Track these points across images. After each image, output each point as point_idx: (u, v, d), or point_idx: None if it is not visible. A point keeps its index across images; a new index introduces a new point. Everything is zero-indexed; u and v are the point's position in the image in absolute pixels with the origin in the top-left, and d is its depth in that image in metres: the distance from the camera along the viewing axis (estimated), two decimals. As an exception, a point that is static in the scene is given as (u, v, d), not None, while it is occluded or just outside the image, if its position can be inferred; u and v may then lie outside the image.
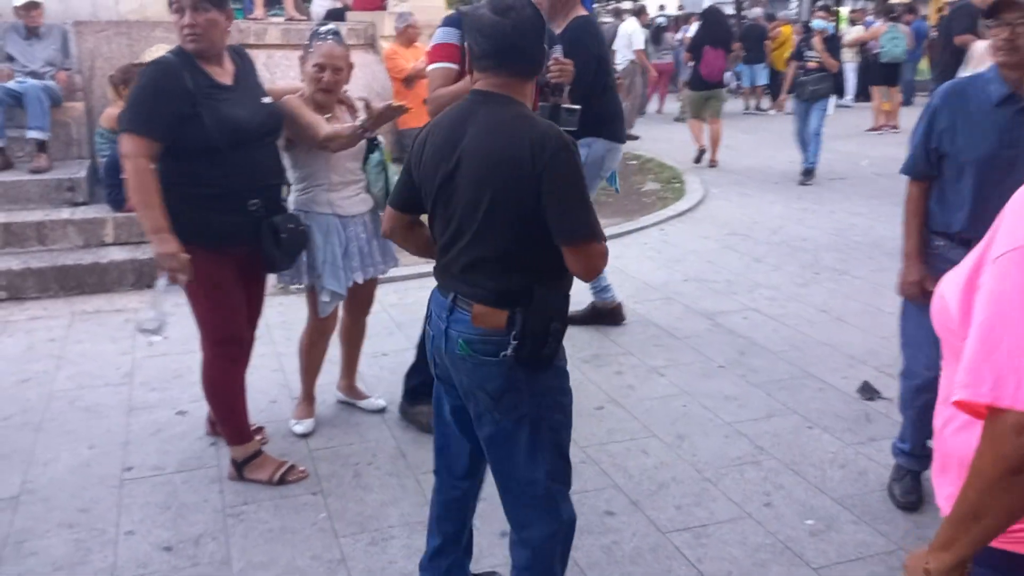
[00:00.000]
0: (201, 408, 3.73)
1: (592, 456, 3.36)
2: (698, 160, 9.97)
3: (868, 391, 3.91)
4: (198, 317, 3.08)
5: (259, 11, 8.02)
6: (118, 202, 5.55)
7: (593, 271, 2.07)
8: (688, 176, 9.11)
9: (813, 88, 8.65)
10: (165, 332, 3.03)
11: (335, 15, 9.24)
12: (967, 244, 2.74)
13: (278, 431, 3.57)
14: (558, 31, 4.12)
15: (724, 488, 3.13)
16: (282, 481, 3.15)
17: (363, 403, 3.78)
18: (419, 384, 3.62)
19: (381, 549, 2.79)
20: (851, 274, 5.72)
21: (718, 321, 4.88)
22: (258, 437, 3.37)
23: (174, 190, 2.88)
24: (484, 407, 2.11)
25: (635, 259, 6.16)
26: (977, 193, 2.73)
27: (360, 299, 3.65)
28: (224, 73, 3.00)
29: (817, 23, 9.16)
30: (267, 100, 3.11)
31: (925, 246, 2.92)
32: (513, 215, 1.99)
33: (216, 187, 2.92)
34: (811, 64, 8.74)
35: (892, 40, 12.41)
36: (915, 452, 3.09)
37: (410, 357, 3.73)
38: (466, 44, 2.23)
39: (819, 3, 10.32)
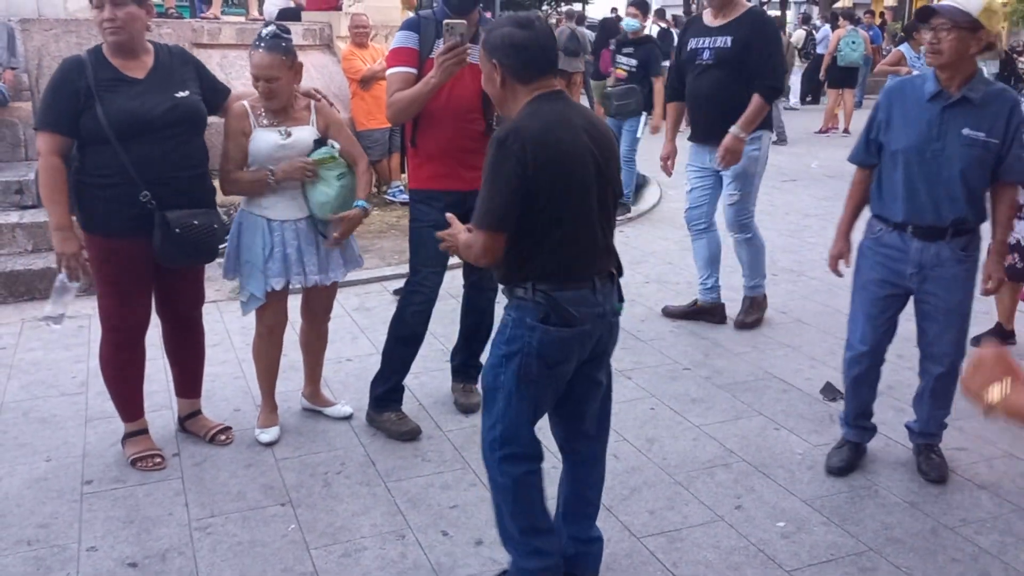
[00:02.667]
0: (162, 417, 3.66)
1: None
2: None
3: (831, 392, 3.97)
4: (98, 300, 3.24)
5: (215, 9, 7.86)
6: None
7: None
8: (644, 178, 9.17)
9: (619, 103, 7.24)
10: (64, 322, 3.30)
11: (289, 15, 9.11)
12: (902, 229, 3.05)
13: (243, 439, 3.50)
14: (725, 21, 4.55)
15: (695, 491, 3.15)
16: (132, 463, 3.28)
17: (329, 410, 3.71)
18: (385, 392, 3.59)
19: (354, 560, 2.74)
20: (807, 275, 5.82)
21: (680, 323, 4.91)
22: (222, 437, 3.48)
23: (76, 180, 3.05)
24: (611, 352, 2.53)
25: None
26: (907, 182, 3.02)
27: (313, 306, 3.61)
28: (138, 67, 3.07)
29: (629, 23, 7.61)
30: (182, 94, 3.09)
31: (867, 229, 3.21)
32: (619, 182, 2.48)
33: (110, 178, 3.02)
34: (619, 72, 7.42)
35: (851, 44, 12.70)
36: (849, 421, 3.36)
37: (375, 362, 3.69)
38: (495, 61, 2.31)
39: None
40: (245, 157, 3.29)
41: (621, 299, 2.47)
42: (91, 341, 4.41)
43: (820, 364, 4.32)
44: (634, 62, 7.22)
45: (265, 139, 3.27)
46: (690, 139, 4.86)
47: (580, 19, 16.31)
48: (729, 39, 4.47)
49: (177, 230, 3.07)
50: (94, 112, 2.95)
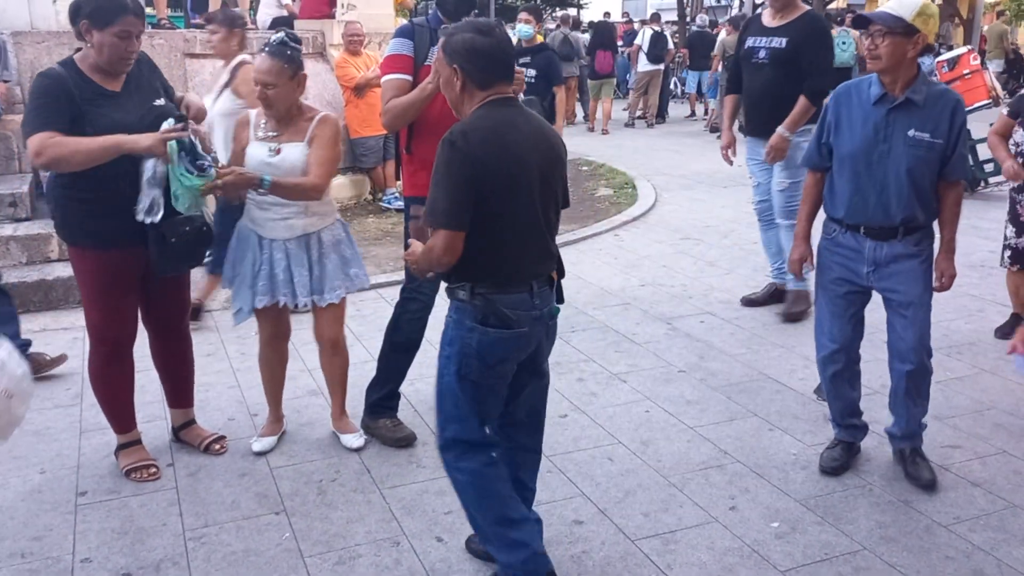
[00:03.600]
0: (156, 428, 3.66)
1: (558, 465, 3.35)
2: (591, 128, 13.68)
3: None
4: (85, 313, 3.23)
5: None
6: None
7: None
8: (639, 181, 9.20)
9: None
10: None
11: (282, 23, 9.11)
12: (855, 229, 3.12)
13: (236, 449, 3.50)
14: (783, 22, 4.83)
15: (690, 493, 3.15)
16: (127, 474, 3.28)
17: (342, 436, 3.56)
18: (380, 398, 3.59)
19: (349, 568, 2.74)
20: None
21: (675, 325, 4.92)
22: (216, 446, 3.49)
23: (62, 194, 3.06)
24: (547, 353, 2.61)
25: (592, 265, 6.19)
26: (856, 184, 3.09)
27: (318, 328, 3.48)
28: (115, 81, 3.08)
29: (523, 30, 7.09)
30: (159, 102, 3.11)
31: (824, 230, 3.25)
32: (562, 194, 2.52)
33: (96, 190, 3.01)
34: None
35: (841, 45, 12.71)
36: (836, 420, 3.38)
37: (370, 369, 3.69)
38: (455, 66, 2.36)
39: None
40: (241, 164, 3.26)
41: (561, 301, 2.57)
42: (85, 353, 4.40)
43: (813, 364, 4.27)
44: (532, 72, 6.50)
45: (255, 153, 3.24)
46: (746, 133, 5.22)
47: (576, 24, 16.48)
48: (784, 40, 4.78)
49: (173, 240, 3.06)
50: (81, 128, 2.93)
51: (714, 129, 13.22)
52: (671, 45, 14.61)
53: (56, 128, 2.89)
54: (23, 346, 3.99)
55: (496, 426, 2.58)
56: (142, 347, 3.35)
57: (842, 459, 3.31)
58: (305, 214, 3.27)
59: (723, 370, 4.28)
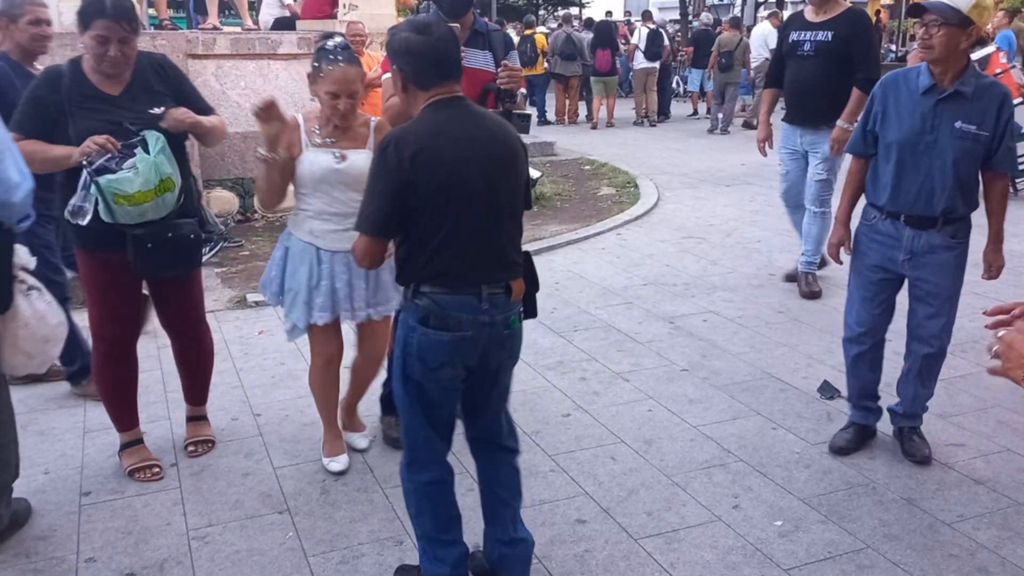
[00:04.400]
0: (160, 428, 3.66)
1: (561, 464, 3.35)
2: (594, 126, 14.25)
3: (828, 390, 3.97)
4: (87, 311, 3.26)
5: (213, 19, 7.88)
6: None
7: None
8: (642, 180, 9.19)
9: None
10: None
11: (284, 24, 9.12)
12: (895, 217, 3.13)
13: (240, 449, 3.50)
14: (826, 17, 5.12)
15: (693, 492, 3.15)
16: (130, 474, 3.29)
17: (348, 435, 3.51)
18: (388, 394, 3.59)
19: (352, 567, 2.75)
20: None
21: (678, 324, 4.92)
22: (190, 448, 3.48)
23: (61, 196, 3.07)
24: (507, 368, 2.53)
25: (594, 264, 6.18)
26: (900, 173, 3.09)
27: (367, 341, 3.35)
28: (116, 84, 3.03)
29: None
30: (156, 110, 3.02)
31: (863, 215, 3.28)
32: (520, 198, 2.42)
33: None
34: None
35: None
36: (852, 400, 3.44)
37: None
38: (395, 66, 2.34)
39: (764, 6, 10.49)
40: (292, 172, 3.04)
41: (531, 315, 2.52)
42: (87, 353, 4.42)
43: (817, 363, 4.32)
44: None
45: (319, 161, 3.01)
46: (785, 120, 5.44)
47: (588, 23, 16.65)
48: (830, 33, 5.07)
49: (149, 244, 3.03)
50: (66, 129, 2.93)
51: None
52: (667, 42, 14.65)
53: (23, 130, 2.93)
54: (86, 368, 3.94)
55: (470, 440, 2.60)
56: (146, 347, 3.35)
57: (854, 440, 3.38)
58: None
59: (726, 369, 4.28)
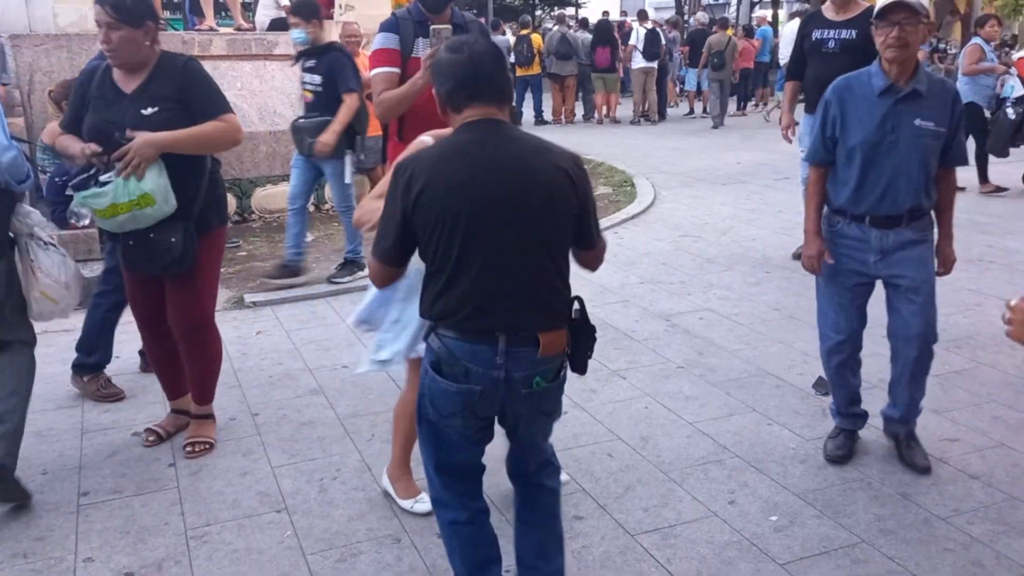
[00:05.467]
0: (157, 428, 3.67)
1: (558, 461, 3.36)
2: (600, 121, 14.85)
3: (823, 386, 3.98)
4: None
5: (210, 20, 7.88)
6: (62, 220, 5.41)
7: (598, 265, 2.37)
8: (638, 179, 9.21)
9: (312, 140, 5.44)
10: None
11: (280, 25, 9.12)
12: (859, 220, 3.12)
13: (237, 448, 3.51)
14: (847, 16, 5.39)
15: (689, 488, 3.16)
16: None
17: (403, 501, 3.07)
18: None
19: (350, 565, 2.76)
20: (800, 272, 5.77)
21: (675, 322, 4.93)
22: (188, 449, 3.48)
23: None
24: (538, 423, 2.26)
25: (590, 263, 6.20)
26: (864, 175, 3.09)
27: None
28: (132, 81, 3.13)
29: (296, 35, 5.65)
30: (149, 111, 3.07)
31: (827, 223, 3.25)
32: (563, 235, 2.12)
33: None
34: (306, 95, 5.65)
35: None
36: (841, 411, 3.40)
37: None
38: (434, 93, 2.20)
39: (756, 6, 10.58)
40: None
41: (577, 370, 2.19)
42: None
43: (812, 359, 4.32)
44: (318, 79, 5.51)
45: None
46: (807, 111, 5.63)
47: (584, 23, 16.90)
48: (854, 32, 5.30)
49: (131, 241, 3.15)
50: (83, 122, 3.14)
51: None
52: (664, 41, 14.75)
53: (63, 125, 3.26)
54: (98, 366, 4.07)
55: (469, 482, 2.34)
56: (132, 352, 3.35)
57: (846, 447, 3.35)
58: None
59: (722, 366, 4.29)
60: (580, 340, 2.18)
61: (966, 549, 2.78)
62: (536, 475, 2.39)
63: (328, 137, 5.37)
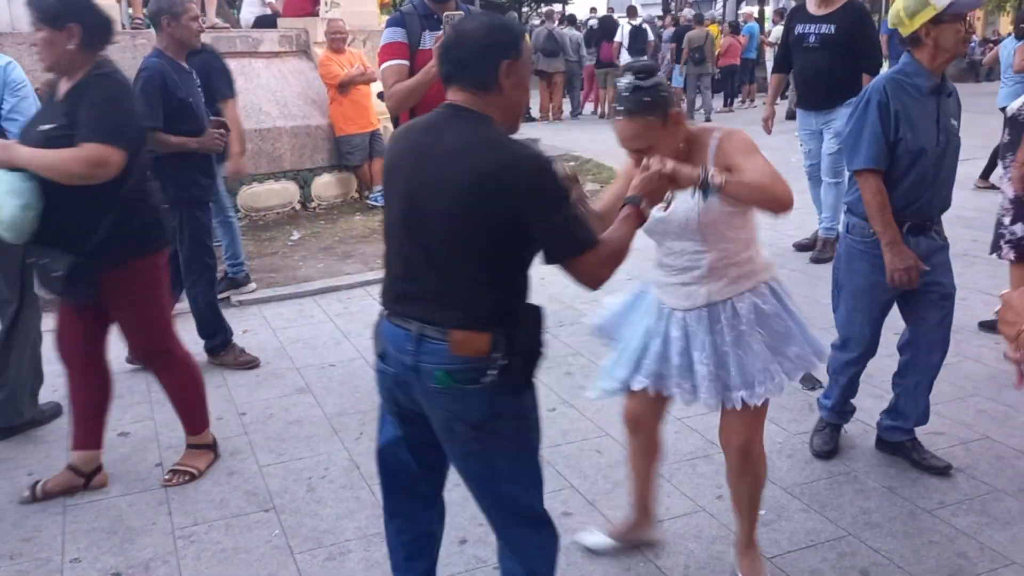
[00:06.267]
0: (144, 428, 3.66)
1: (547, 458, 3.36)
2: (603, 115, 15.01)
3: (810, 381, 4.00)
4: None
5: (211, 15, 7.84)
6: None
7: (599, 281, 2.02)
8: (626, 176, 9.21)
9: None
10: None
11: (265, 22, 9.10)
12: (900, 226, 2.95)
13: (224, 448, 3.49)
14: (828, 11, 5.54)
15: (677, 483, 3.17)
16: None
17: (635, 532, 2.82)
18: None
19: (339, 564, 2.76)
20: (787, 267, 5.85)
21: (662, 318, 4.94)
22: (168, 477, 3.27)
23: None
24: (463, 437, 2.00)
25: (578, 260, 6.21)
26: (920, 180, 2.96)
27: (725, 427, 2.54)
28: (64, 88, 2.94)
29: None
30: (46, 127, 2.85)
31: (854, 233, 3.10)
32: (490, 239, 1.90)
33: None
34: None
35: None
36: (836, 408, 3.39)
37: (359, 367, 3.71)
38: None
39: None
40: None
41: (475, 383, 1.92)
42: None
43: (800, 354, 4.35)
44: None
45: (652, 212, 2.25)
46: (798, 106, 6.12)
47: (571, 19, 17.05)
48: (833, 26, 5.50)
49: (28, 260, 3.08)
50: None
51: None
52: (651, 37, 14.83)
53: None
54: (225, 342, 4.37)
55: (406, 497, 2.25)
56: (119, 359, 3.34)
57: (833, 442, 3.37)
58: (708, 277, 2.41)
59: (709, 361, 4.30)
60: (515, 353, 1.94)
61: (951, 541, 2.80)
62: (499, 540, 2.20)
63: (236, 147, 4.88)
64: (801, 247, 6.25)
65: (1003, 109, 8.05)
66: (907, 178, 2.94)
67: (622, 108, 2.26)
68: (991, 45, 15.08)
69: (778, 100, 6.60)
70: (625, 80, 2.28)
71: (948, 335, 3.18)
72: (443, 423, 2.02)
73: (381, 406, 2.19)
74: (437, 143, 1.93)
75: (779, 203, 2.21)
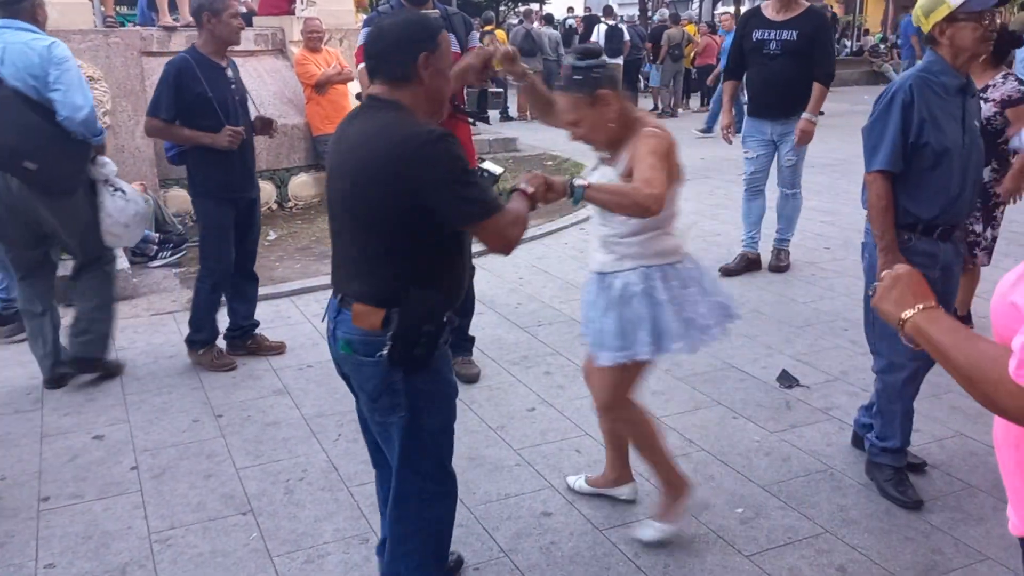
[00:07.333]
0: (119, 431, 3.62)
1: (526, 458, 3.37)
2: None
3: (787, 379, 4.04)
4: None
5: (165, 18, 7.74)
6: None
7: (508, 243, 2.11)
8: (603, 175, 9.24)
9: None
10: None
11: (241, 19, 9.01)
12: (931, 232, 2.88)
13: (201, 450, 3.46)
14: (788, 17, 5.41)
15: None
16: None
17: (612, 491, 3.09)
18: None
19: (317, 566, 2.74)
20: (764, 266, 5.90)
21: (641, 317, 4.95)
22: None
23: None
24: (366, 407, 2.23)
25: (557, 259, 6.21)
26: (947, 182, 2.85)
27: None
28: None
29: None
30: None
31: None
32: (384, 215, 2.02)
33: None
34: None
35: None
36: (903, 446, 3.07)
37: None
38: None
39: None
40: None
41: (399, 361, 2.05)
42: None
43: (776, 352, 4.39)
44: None
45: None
46: (750, 114, 5.75)
47: (549, 19, 17.12)
48: (795, 32, 5.37)
49: None
50: None
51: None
52: (627, 37, 14.85)
53: None
54: (251, 327, 4.49)
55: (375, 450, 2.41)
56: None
57: (910, 484, 3.05)
58: (600, 248, 2.70)
59: (688, 360, 4.30)
60: (400, 333, 2.04)
61: (926, 537, 2.83)
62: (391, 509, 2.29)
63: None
64: (727, 272, 5.72)
65: None
66: (932, 180, 2.84)
67: (557, 84, 2.62)
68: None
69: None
70: (566, 60, 2.61)
71: None
72: (354, 388, 2.27)
73: None
74: (349, 130, 2.12)
75: (639, 209, 2.37)
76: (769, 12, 5.52)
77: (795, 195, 5.78)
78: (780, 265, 5.83)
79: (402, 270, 2.06)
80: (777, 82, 5.46)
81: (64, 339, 4.11)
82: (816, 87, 5.35)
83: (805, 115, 5.40)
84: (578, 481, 3.13)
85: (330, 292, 2.27)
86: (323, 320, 2.29)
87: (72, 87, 3.70)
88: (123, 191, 4.03)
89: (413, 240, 2.05)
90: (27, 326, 4.08)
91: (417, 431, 2.17)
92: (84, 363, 4.09)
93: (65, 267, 4.48)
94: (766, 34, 5.47)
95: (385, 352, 2.04)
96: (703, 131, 12.40)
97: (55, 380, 4.04)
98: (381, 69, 2.10)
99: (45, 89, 3.71)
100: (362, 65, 3.47)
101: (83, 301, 4.09)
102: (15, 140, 3.69)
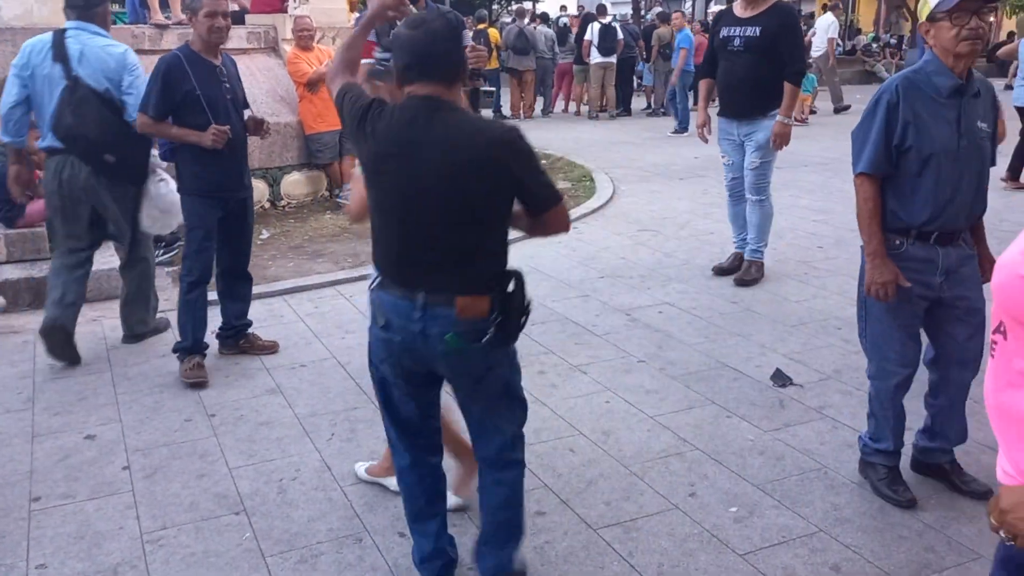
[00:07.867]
0: (112, 431, 3.60)
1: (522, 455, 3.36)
2: (578, 114, 15.43)
3: (780, 378, 4.04)
4: None
5: (157, 15, 7.70)
6: (10, 219, 5.27)
7: (569, 225, 2.47)
8: (597, 174, 9.24)
9: None
10: None
11: (232, 18, 8.97)
12: (926, 238, 2.81)
13: (194, 450, 3.45)
14: (754, 13, 5.22)
15: (650, 481, 3.18)
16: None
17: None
18: None
19: (311, 566, 2.73)
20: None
21: (635, 316, 4.96)
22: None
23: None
24: (468, 390, 2.39)
25: (551, 258, 6.20)
26: (939, 186, 2.79)
27: None
28: None
29: None
30: None
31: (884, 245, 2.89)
32: (490, 206, 2.21)
33: None
34: None
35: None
36: (897, 448, 3.08)
37: (330, 367, 3.68)
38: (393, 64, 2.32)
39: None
40: None
41: (500, 342, 2.25)
42: (36, 356, 4.33)
43: (770, 351, 4.39)
44: None
45: None
46: (719, 114, 5.56)
47: (543, 17, 17.02)
48: (758, 29, 5.17)
49: None
50: None
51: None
52: (621, 36, 14.83)
53: None
54: (244, 327, 4.49)
55: (414, 436, 2.50)
56: (95, 349, 3.28)
57: (906, 484, 3.06)
58: None
59: (682, 359, 4.33)
60: (511, 311, 2.26)
61: (919, 536, 2.84)
62: (496, 460, 2.50)
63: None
64: (721, 271, 5.69)
65: (1019, 108, 8.19)
66: (923, 184, 2.79)
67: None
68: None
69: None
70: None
71: (981, 351, 2.93)
72: (457, 382, 2.40)
73: (381, 379, 2.43)
74: (426, 136, 2.16)
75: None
76: (738, 9, 5.36)
77: (761, 203, 5.47)
78: (746, 279, 5.46)
79: (497, 257, 2.28)
80: (739, 80, 5.29)
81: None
82: (786, 87, 5.15)
83: (779, 117, 5.18)
84: (362, 468, 3.25)
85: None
86: (384, 326, 2.29)
87: (142, 92, 4.01)
88: (166, 180, 4.37)
89: (504, 228, 2.28)
90: (58, 272, 4.28)
91: (517, 390, 2.46)
92: (134, 339, 4.59)
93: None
94: (731, 31, 5.29)
95: (491, 333, 2.21)
96: (675, 132, 12.55)
97: (47, 332, 4.18)
98: (431, 71, 2.19)
99: (118, 92, 4.11)
100: (365, 61, 3.48)
101: (130, 287, 4.57)
102: (96, 135, 4.07)
